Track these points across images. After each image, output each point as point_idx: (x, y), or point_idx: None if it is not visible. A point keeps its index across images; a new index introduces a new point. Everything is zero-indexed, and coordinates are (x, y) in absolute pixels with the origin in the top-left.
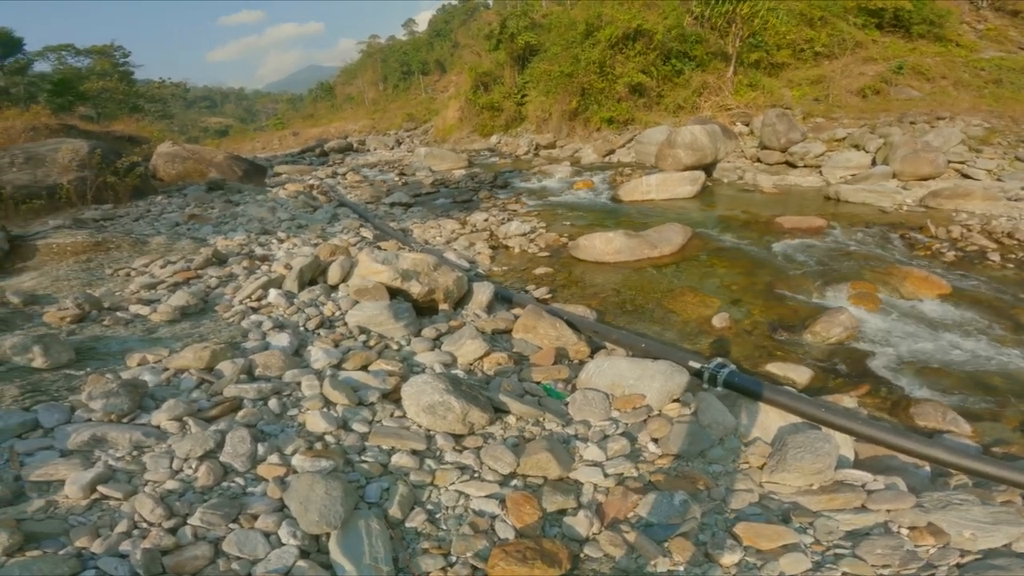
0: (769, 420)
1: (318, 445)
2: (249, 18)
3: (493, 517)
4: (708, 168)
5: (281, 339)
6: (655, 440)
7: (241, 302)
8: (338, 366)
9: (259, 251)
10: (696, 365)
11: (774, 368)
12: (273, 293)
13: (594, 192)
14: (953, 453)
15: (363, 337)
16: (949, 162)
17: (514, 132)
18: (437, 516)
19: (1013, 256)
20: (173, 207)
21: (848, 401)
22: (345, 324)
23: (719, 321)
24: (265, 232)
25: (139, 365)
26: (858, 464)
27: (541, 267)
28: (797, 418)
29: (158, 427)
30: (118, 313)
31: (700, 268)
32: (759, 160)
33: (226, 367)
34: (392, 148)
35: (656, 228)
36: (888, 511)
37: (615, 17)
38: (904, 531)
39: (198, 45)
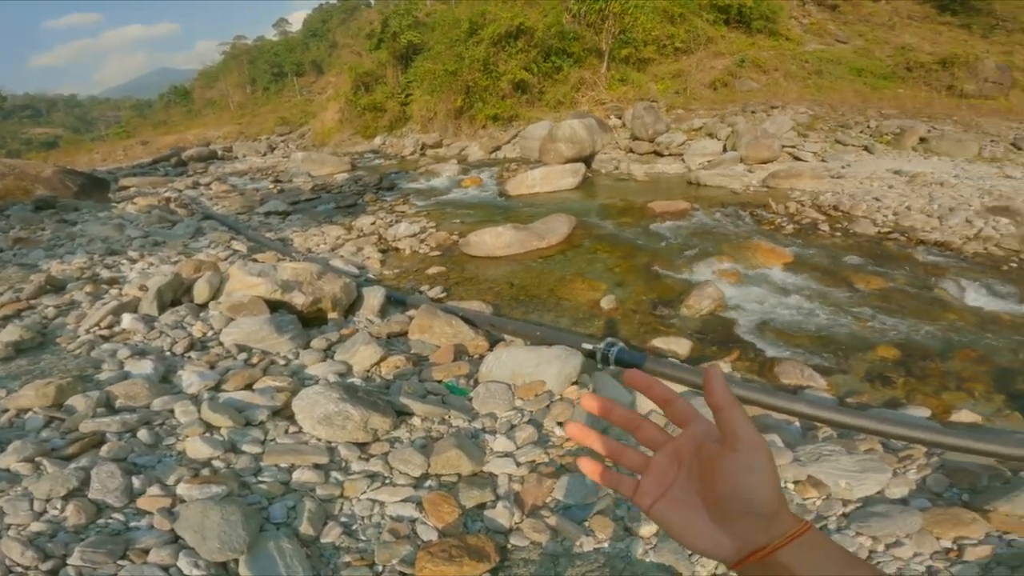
0: None
1: (205, 471)
2: (82, 20)
3: (412, 521)
4: (587, 160)
5: (143, 366)
6: (560, 424)
7: (88, 331)
8: (217, 388)
9: (106, 274)
10: (588, 347)
11: (659, 342)
12: (127, 318)
13: (482, 189)
14: (815, 407)
15: (243, 355)
16: (783, 146)
17: (399, 133)
18: (354, 527)
19: (839, 226)
20: None
21: (723, 366)
22: (220, 344)
23: (607, 303)
24: (112, 252)
25: None
26: None
27: (434, 267)
28: (682, 387)
29: (7, 470)
30: None
31: (586, 255)
32: (632, 150)
33: (78, 402)
34: (264, 154)
35: (543, 220)
36: None
37: (498, 15)
38: (790, 486)
39: (18, 49)
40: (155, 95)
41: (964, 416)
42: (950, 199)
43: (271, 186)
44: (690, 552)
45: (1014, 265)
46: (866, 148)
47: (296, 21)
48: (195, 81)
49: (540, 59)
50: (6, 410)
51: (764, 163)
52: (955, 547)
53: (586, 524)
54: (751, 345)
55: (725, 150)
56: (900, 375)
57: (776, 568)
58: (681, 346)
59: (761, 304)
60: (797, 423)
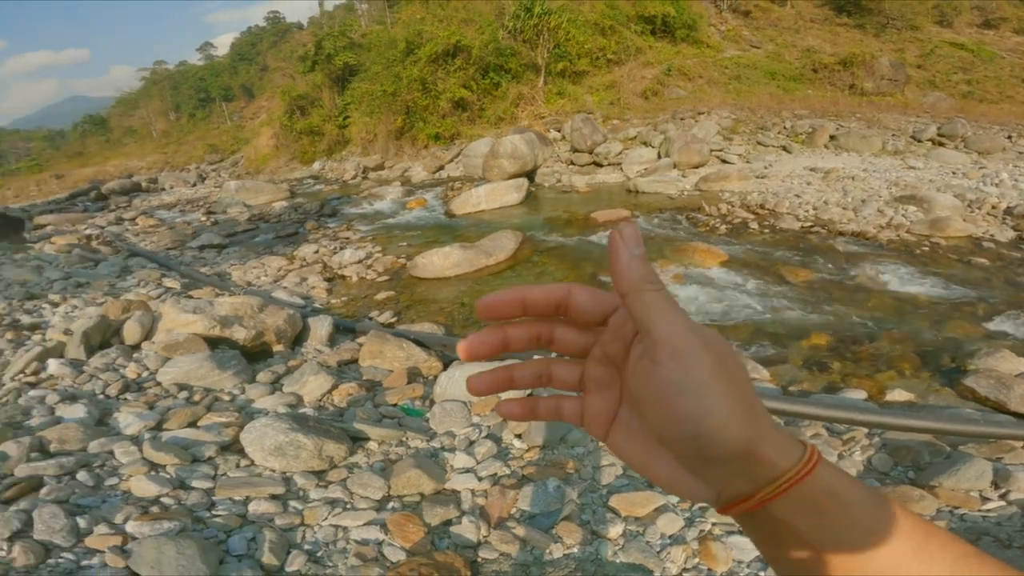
0: None
1: (154, 508)
2: None
3: (378, 543)
4: (530, 174)
5: (75, 411)
6: (518, 436)
7: (13, 378)
8: (158, 427)
9: (26, 319)
10: (540, 357)
11: None
12: (54, 363)
13: (427, 209)
14: (760, 398)
15: (184, 394)
16: (711, 151)
17: (339, 156)
18: (319, 554)
19: (767, 223)
20: None
21: None
22: (158, 383)
23: None
24: (31, 296)
25: None
26: None
27: (382, 292)
28: None
29: None
30: None
31: (534, 268)
32: (572, 162)
33: (9, 448)
34: (194, 184)
35: (490, 237)
36: None
37: (435, 34)
38: None
39: None
40: (68, 124)
41: (898, 395)
42: (862, 191)
43: (203, 218)
44: (659, 548)
45: (926, 249)
46: (784, 148)
47: (222, 45)
48: (112, 109)
49: (478, 76)
50: None
51: (695, 167)
52: None
53: (553, 531)
54: None
55: (659, 157)
56: (835, 360)
57: (771, 522)
58: None
59: (702, 303)
60: None
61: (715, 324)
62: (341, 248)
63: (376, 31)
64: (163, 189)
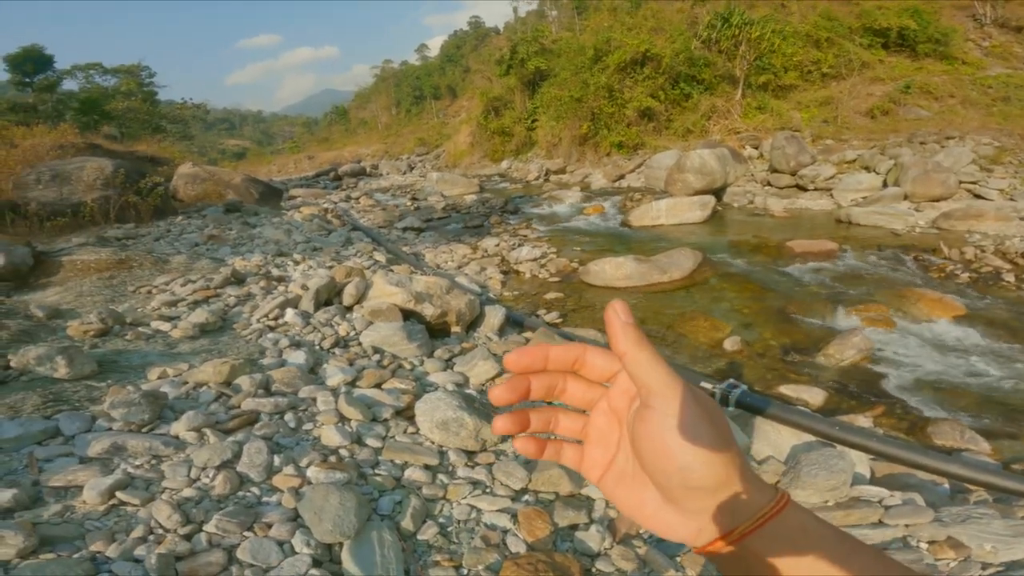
0: (782, 439)
1: (332, 458)
2: (266, 42)
3: (505, 531)
4: (718, 192)
5: (297, 357)
6: None
7: (258, 320)
8: (353, 383)
9: (276, 272)
10: (708, 386)
11: (787, 389)
12: (290, 312)
13: (604, 217)
14: (970, 468)
15: (377, 356)
16: (960, 182)
17: (524, 157)
18: (449, 529)
19: None
20: (192, 228)
21: (863, 421)
22: (360, 344)
23: (731, 344)
24: (281, 254)
25: (159, 378)
26: (875, 481)
27: (552, 292)
28: (811, 437)
29: (176, 437)
30: (140, 328)
31: (710, 293)
32: (769, 183)
33: (244, 382)
34: (404, 173)
35: (666, 253)
36: (906, 526)
37: (623, 42)
38: (923, 545)
39: (217, 68)
40: (320, 114)
41: None
42: None
43: (408, 203)
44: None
45: None
46: None
47: (434, 47)
48: (351, 102)
49: (668, 86)
50: (186, 382)
51: (935, 201)
52: None
53: (678, 559)
54: (901, 402)
55: (885, 185)
56: None
57: (746, 557)
58: (813, 395)
59: (919, 359)
60: (946, 484)
61: (929, 385)
62: (519, 245)
63: (566, 37)
64: (381, 175)
